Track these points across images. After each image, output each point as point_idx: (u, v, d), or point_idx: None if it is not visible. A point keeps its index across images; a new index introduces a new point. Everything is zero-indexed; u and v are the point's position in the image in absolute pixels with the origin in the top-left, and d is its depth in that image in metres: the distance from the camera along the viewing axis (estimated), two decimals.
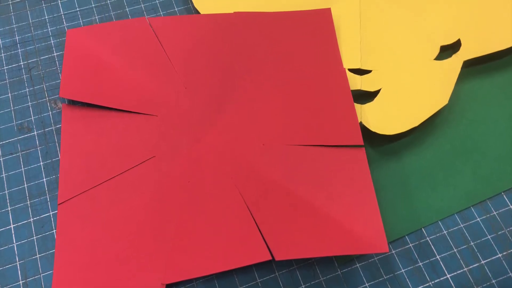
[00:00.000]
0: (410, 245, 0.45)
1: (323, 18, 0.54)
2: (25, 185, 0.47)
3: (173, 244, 0.42)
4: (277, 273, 0.44)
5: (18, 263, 0.44)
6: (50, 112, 0.51)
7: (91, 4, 0.57)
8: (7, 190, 0.47)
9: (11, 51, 0.54)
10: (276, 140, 0.47)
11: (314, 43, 0.52)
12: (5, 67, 0.53)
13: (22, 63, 0.53)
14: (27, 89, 0.52)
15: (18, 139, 0.49)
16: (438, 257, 0.44)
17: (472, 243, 0.45)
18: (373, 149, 0.49)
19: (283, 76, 0.50)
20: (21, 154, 0.49)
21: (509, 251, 0.45)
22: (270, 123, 0.48)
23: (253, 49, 0.52)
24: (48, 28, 0.56)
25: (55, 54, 0.54)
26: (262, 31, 0.53)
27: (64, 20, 0.56)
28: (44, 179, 0.47)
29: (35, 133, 0.50)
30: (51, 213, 0.46)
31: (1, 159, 0.48)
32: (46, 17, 0.56)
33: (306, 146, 0.46)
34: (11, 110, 0.51)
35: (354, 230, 0.42)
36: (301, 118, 0.48)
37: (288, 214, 0.43)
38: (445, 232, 0.45)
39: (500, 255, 0.45)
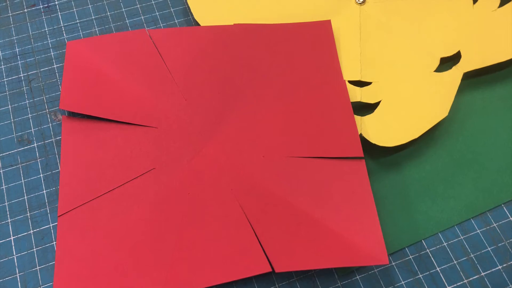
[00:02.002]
0: (410, 257, 0.45)
1: (323, 30, 0.54)
2: (25, 197, 0.47)
3: (173, 256, 0.42)
4: (277, 285, 0.44)
5: (18, 275, 0.44)
6: (50, 124, 0.51)
7: (91, 16, 0.58)
8: (7, 202, 0.47)
9: (11, 63, 0.54)
10: (276, 152, 0.47)
11: (314, 55, 0.52)
12: (5, 79, 0.53)
13: (22, 75, 0.54)
14: (27, 101, 0.52)
15: (18, 151, 0.49)
16: (438, 269, 0.44)
17: (472, 255, 0.45)
18: (373, 161, 0.49)
19: (283, 88, 0.50)
20: (21, 166, 0.49)
21: (509, 263, 0.45)
22: (271, 135, 0.48)
23: (253, 61, 0.52)
24: (48, 40, 0.56)
25: (55, 66, 0.54)
26: (262, 43, 0.53)
27: (64, 32, 0.56)
28: (44, 191, 0.47)
29: (35, 145, 0.50)
30: (51, 225, 0.46)
31: (1, 171, 0.48)
32: (46, 29, 0.57)
33: (306, 158, 0.47)
34: (11, 122, 0.51)
35: (354, 242, 0.42)
36: (301, 130, 0.48)
37: (288, 225, 0.43)
38: (445, 244, 0.45)
39: (500, 267, 0.45)
